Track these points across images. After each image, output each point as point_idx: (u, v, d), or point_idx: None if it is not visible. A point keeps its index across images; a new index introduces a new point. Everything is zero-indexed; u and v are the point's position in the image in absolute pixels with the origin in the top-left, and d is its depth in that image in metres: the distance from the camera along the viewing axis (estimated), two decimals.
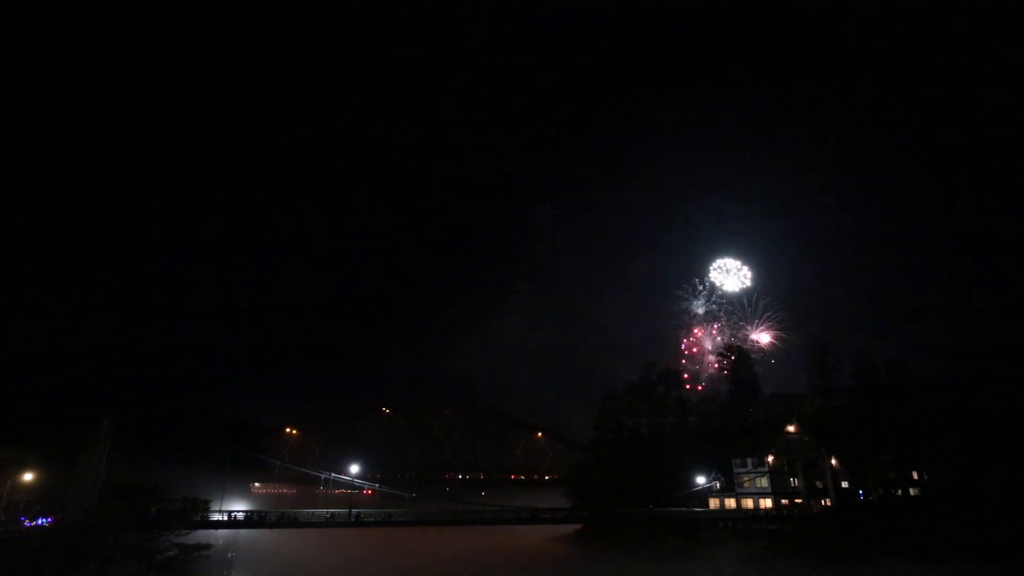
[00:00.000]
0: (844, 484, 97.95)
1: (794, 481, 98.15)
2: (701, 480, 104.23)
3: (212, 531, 77.57)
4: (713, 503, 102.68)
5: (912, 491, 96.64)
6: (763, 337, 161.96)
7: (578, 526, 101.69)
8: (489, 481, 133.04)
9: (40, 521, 71.66)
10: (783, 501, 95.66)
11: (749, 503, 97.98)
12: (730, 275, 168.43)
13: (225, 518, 79.53)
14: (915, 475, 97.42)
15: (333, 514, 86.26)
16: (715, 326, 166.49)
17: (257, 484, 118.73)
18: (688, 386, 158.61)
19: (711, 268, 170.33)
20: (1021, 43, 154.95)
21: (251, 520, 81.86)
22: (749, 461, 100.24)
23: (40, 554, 63.27)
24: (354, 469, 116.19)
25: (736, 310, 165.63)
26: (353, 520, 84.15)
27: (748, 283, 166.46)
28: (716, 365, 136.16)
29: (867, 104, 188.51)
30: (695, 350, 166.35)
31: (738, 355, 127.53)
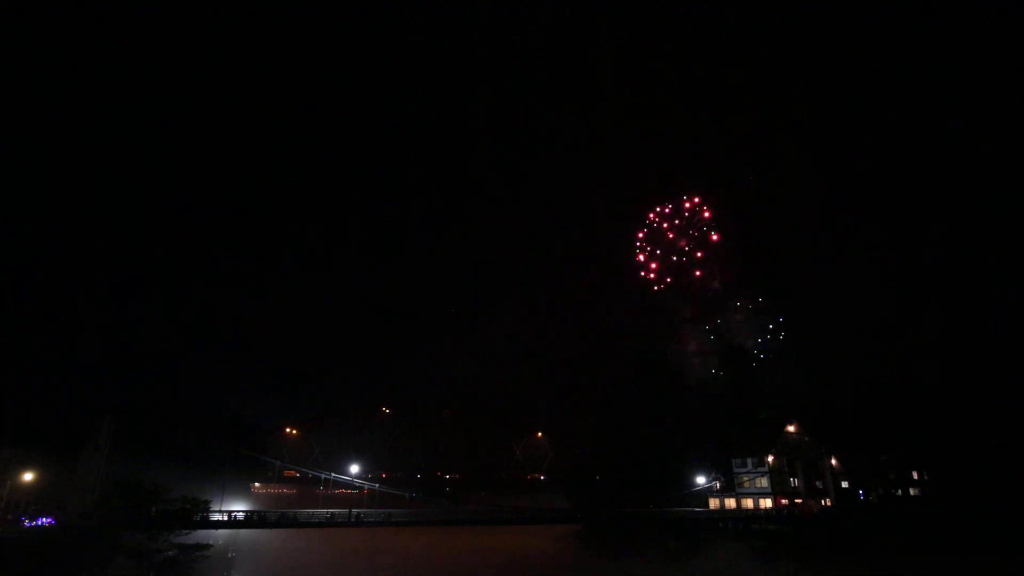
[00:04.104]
0: (844, 484, 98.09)
1: (794, 481, 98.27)
2: (701, 480, 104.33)
3: (212, 531, 77.52)
4: (713, 503, 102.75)
5: (912, 491, 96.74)
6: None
7: (578, 526, 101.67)
8: (489, 481, 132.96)
9: (40, 521, 71.63)
10: (783, 501, 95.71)
11: (749, 503, 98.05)
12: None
13: (225, 518, 79.54)
14: (915, 475, 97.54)
15: (333, 514, 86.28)
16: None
17: (257, 484, 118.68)
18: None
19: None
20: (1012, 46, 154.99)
21: (251, 520, 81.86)
22: (749, 461, 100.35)
23: (40, 554, 63.26)
24: (354, 469, 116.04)
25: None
26: (353, 520, 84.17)
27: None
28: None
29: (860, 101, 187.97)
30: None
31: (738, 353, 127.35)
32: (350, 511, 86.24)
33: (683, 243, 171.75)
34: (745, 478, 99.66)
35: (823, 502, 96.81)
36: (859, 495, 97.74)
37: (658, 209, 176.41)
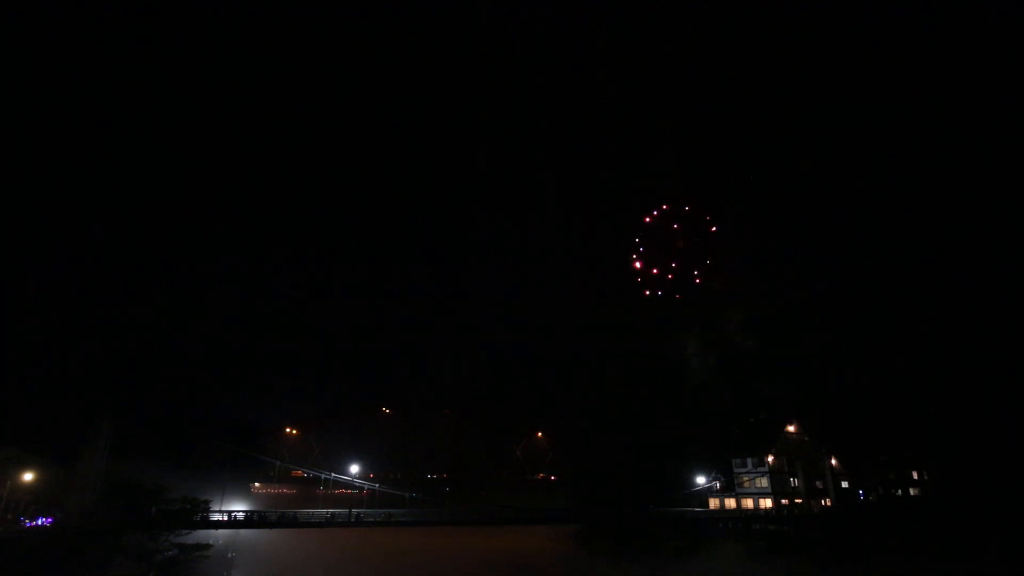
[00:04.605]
0: (844, 484, 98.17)
1: (794, 481, 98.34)
2: (701, 480, 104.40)
3: (212, 531, 77.62)
4: (713, 503, 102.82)
5: (912, 491, 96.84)
6: None
7: (578, 526, 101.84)
8: (489, 481, 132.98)
9: (40, 521, 71.68)
10: (783, 501, 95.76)
11: (749, 503, 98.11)
12: None
13: (225, 518, 79.60)
14: (915, 475, 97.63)
15: (333, 514, 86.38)
16: None
17: (257, 484, 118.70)
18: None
19: None
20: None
21: (251, 520, 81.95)
22: (749, 461, 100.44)
23: (40, 554, 63.29)
24: (354, 469, 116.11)
25: None
26: (353, 520, 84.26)
27: None
28: None
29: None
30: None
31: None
32: (350, 511, 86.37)
33: (682, 244, 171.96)
34: (745, 478, 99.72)
35: (823, 502, 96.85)
36: (859, 495, 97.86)
37: (656, 213, 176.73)
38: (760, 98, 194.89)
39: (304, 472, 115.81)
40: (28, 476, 75.86)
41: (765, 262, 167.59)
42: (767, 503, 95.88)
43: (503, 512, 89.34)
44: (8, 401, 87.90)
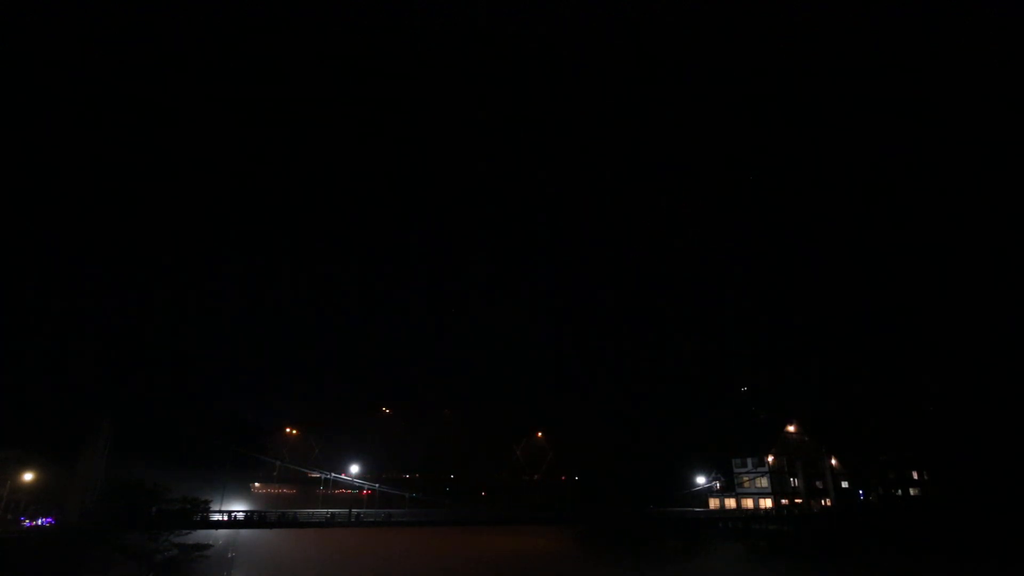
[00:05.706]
0: (844, 484, 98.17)
1: (794, 481, 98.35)
2: (701, 480, 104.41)
3: (212, 531, 77.55)
4: (713, 503, 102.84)
5: (912, 491, 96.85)
6: None
7: (578, 527, 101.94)
8: (489, 481, 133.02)
9: (40, 521, 71.67)
10: (783, 501, 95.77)
11: (749, 503, 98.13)
12: None
13: (225, 518, 79.57)
14: (915, 475, 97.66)
15: (333, 514, 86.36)
16: None
17: (257, 484, 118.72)
18: None
19: None
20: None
21: (251, 520, 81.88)
22: (749, 461, 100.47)
23: (40, 554, 63.26)
24: (354, 469, 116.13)
25: None
26: (353, 520, 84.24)
27: None
28: None
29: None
30: None
31: None
32: (350, 511, 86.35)
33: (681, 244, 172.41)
34: (745, 478, 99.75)
35: (823, 502, 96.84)
36: (859, 495, 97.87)
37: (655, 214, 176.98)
38: (760, 98, 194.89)
39: (304, 472, 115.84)
40: (28, 476, 75.83)
41: (765, 262, 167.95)
42: (767, 503, 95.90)
43: (503, 512, 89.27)
44: (8, 401, 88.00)
